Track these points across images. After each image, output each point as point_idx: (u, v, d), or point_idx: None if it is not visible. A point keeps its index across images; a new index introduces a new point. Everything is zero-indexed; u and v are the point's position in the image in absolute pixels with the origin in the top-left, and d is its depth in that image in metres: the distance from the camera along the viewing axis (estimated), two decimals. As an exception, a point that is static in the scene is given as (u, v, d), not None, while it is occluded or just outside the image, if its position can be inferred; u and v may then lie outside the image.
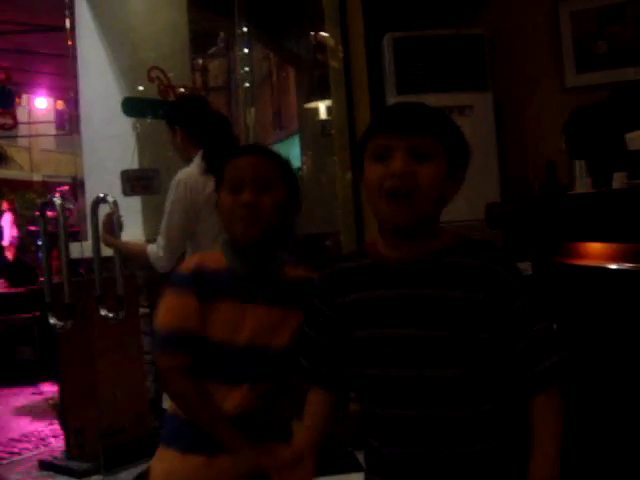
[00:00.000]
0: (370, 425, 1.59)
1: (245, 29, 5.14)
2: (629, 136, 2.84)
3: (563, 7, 4.49)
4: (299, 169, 8.49)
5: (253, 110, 5.42)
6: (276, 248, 1.87)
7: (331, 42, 4.57)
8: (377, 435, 1.58)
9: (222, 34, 8.90)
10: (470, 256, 1.51)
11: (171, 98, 4.33)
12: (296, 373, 1.74)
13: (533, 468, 1.46)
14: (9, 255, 12.43)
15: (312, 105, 6.08)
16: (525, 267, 3.35)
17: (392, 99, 4.29)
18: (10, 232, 13.30)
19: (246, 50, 5.27)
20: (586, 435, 2.56)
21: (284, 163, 1.92)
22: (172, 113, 3.42)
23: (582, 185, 3.22)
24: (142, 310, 4.38)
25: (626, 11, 4.39)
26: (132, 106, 4.20)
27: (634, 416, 2.42)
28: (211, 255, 1.92)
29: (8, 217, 13.57)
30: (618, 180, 2.77)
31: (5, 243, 13.05)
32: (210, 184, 3.10)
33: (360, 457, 3.78)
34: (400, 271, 1.53)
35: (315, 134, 6.19)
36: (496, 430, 1.53)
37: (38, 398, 6.39)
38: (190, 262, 1.91)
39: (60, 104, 14.26)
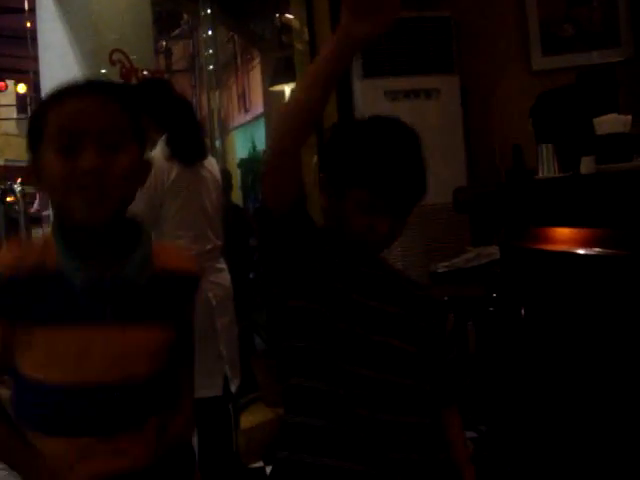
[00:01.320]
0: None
1: (209, 11, 5.06)
2: (597, 120, 2.83)
3: (530, -10, 4.48)
4: (265, 152, 8.44)
5: (217, 93, 5.35)
6: (131, 233, 1.39)
7: (296, 24, 4.53)
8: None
9: (186, 16, 8.80)
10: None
11: (134, 81, 4.25)
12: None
13: (458, 455, 1.69)
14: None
15: (277, 88, 6.03)
16: (493, 251, 3.35)
17: (358, 82, 4.26)
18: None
19: (210, 32, 5.19)
20: (559, 420, 2.57)
21: (132, 106, 1.37)
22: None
23: (549, 169, 3.21)
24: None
25: (592, -6, 4.40)
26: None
27: (604, 400, 2.42)
28: (35, 248, 1.36)
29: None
30: (586, 165, 2.76)
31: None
32: (174, 169, 3.08)
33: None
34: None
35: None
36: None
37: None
38: (1, 258, 1.34)
39: (22, 87, 14.02)
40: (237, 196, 8.50)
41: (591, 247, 2.51)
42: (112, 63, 4.27)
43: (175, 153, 3.09)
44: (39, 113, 1.34)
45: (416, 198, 1.60)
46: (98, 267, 1.31)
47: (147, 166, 1.42)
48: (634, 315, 2.28)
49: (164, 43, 9.76)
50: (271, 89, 6.54)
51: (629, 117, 2.77)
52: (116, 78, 4.25)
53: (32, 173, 1.35)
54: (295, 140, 1.45)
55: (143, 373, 1.34)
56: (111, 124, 1.29)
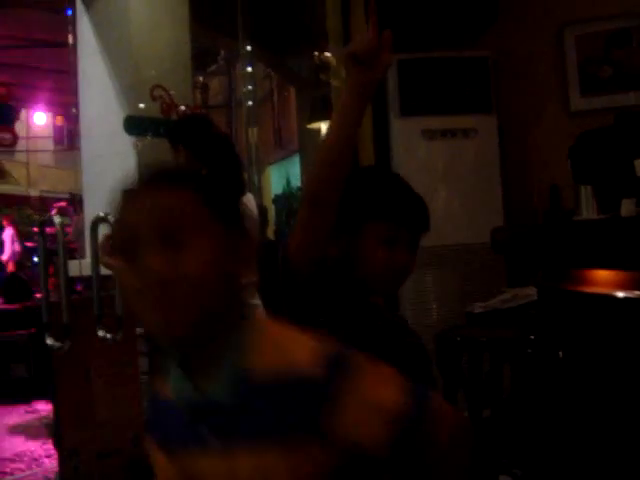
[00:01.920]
0: None
1: (248, 47, 5.12)
2: (638, 162, 2.81)
3: (568, 31, 4.49)
4: (299, 189, 8.48)
5: (255, 129, 5.39)
6: (225, 335, 1.11)
7: (334, 62, 4.55)
8: None
9: (223, 52, 8.91)
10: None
11: (173, 117, 4.30)
12: None
13: None
14: (10, 270, 12.36)
15: (314, 125, 6.06)
16: (530, 292, 3.32)
17: (395, 121, 4.28)
18: (12, 247, 13.24)
19: (249, 69, 5.24)
20: (596, 464, 2.52)
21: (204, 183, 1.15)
22: (176, 132, 3.39)
23: (588, 211, 3.19)
24: (139, 330, 4.33)
25: (631, 36, 4.39)
26: (133, 124, 4.17)
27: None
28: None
29: (9, 232, 13.51)
30: (626, 207, 2.74)
31: (4, 258, 13.00)
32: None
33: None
34: None
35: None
36: None
37: (32, 417, 6.31)
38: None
39: (59, 120, 14.24)
40: (272, 231, 8.54)
41: (631, 290, 2.48)
42: (153, 99, 4.33)
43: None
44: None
45: (424, 230, 1.67)
46: (197, 386, 1.10)
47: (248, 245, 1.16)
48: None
49: (201, 78, 9.87)
50: (307, 126, 6.58)
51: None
52: (156, 113, 4.30)
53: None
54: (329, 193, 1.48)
55: None
56: (172, 221, 1.06)
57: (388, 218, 1.62)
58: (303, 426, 1.05)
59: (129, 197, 1.09)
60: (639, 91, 4.31)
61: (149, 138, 4.24)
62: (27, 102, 13.12)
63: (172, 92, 4.44)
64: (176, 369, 1.13)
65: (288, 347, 1.09)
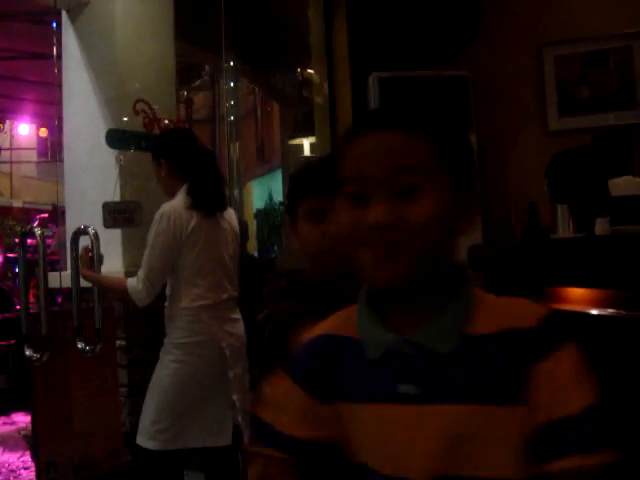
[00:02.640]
0: None
1: (232, 63, 5.15)
2: (612, 182, 2.87)
3: (547, 52, 4.56)
4: (281, 204, 8.51)
5: (237, 144, 5.41)
6: (445, 290, 1.08)
7: (317, 79, 4.60)
8: None
9: (207, 67, 8.94)
10: None
11: (156, 131, 4.32)
12: None
13: None
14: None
15: (296, 141, 6.09)
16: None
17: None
18: (-6, 258, 13.12)
19: (232, 84, 5.27)
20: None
21: (436, 135, 1.06)
22: (158, 146, 3.41)
23: (564, 229, 3.24)
24: (119, 342, 4.33)
25: (608, 57, 4.47)
26: (116, 138, 4.18)
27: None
28: (344, 317, 1.17)
29: (-8, 243, 13.39)
30: (600, 226, 2.79)
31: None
32: (194, 219, 3.13)
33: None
34: None
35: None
36: None
37: (10, 428, 6.27)
38: (317, 328, 1.19)
39: (43, 131, 14.19)
40: (253, 246, 8.55)
41: (604, 308, 2.52)
42: (136, 113, 4.34)
43: (196, 203, 3.14)
44: (336, 155, 1.13)
45: None
46: (400, 334, 1.06)
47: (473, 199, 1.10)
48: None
49: (185, 93, 9.89)
50: (290, 142, 6.61)
51: (645, 180, 2.81)
52: (139, 128, 4.32)
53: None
54: None
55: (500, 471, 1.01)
56: (405, 165, 1.03)
57: (307, 192, 1.55)
58: (515, 381, 1.01)
59: (358, 138, 1.06)
60: (616, 112, 4.38)
61: (132, 151, 4.26)
62: (11, 113, 13.06)
63: (156, 106, 4.46)
64: (370, 317, 1.10)
65: (508, 304, 1.09)
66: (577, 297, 2.69)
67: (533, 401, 1.00)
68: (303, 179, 1.60)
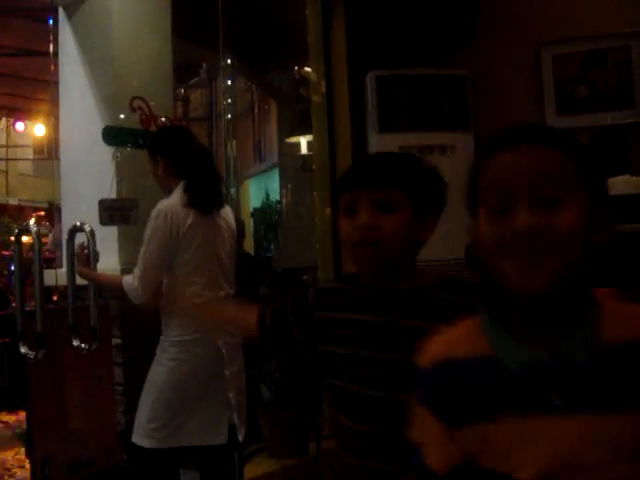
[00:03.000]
0: (342, 437, 1.65)
1: (229, 61, 5.14)
2: (610, 181, 2.85)
3: (546, 50, 4.56)
4: (278, 202, 8.50)
5: (234, 142, 5.40)
6: (584, 295, 1.11)
7: (314, 78, 4.59)
8: (348, 447, 1.62)
9: (205, 65, 8.93)
10: (450, 293, 1.59)
11: (152, 128, 4.30)
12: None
13: None
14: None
15: (293, 139, 6.07)
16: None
17: (374, 136, 4.31)
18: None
19: (229, 82, 5.26)
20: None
21: (577, 151, 1.12)
22: (155, 143, 3.40)
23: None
24: (115, 340, 4.32)
25: (607, 56, 4.46)
26: (112, 135, 4.17)
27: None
28: (462, 331, 1.20)
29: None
30: (599, 225, 2.78)
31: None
32: (191, 216, 3.11)
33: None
34: (386, 299, 1.59)
35: (295, 168, 6.19)
36: None
37: (5, 426, 6.26)
38: (429, 349, 1.21)
39: (39, 129, 14.15)
40: (249, 244, 8.54)
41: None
42: (132, 110, 4.33)
43: (193, 201, 3.13)
44: (474, 167, 1.17)
45: (388, 183, 1.57)
46: (537, 346, 1.08)
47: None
48: None
49: (182, 91, 9.87)
50: (287, 140, 6.60)
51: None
52: (135, 125, 4.31)
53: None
54: None
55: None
56: (549, 176, 1.07)
57: (343, 187, 1.61)
58: None
59: (500, 152, 1.11)
60: (614, 111, 4.38)
61: (129, 149, 4.24)
62: (7, 110, 13.04)
63: (152, 103, 4.44)
64: (499, 329, 1.12)
65: (634, 311, 1.10)
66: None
67: None
68: (342, 177, 1.67)
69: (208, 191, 3.21)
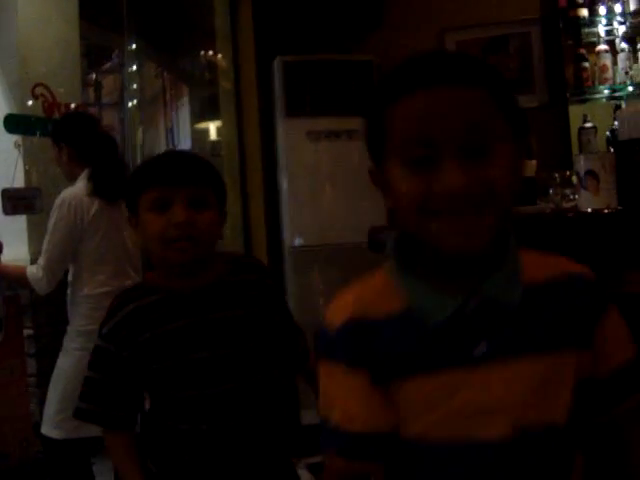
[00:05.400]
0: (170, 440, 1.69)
1: (134, 46, 5.08)
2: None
3: (449, 36, 4.66)
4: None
5: (141, 129, 5.35)
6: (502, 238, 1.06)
7: (222, 63, 4.59)
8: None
9: (117, 50, 8.79)
10: (244, 273, 1.73)
11: (56, 116, 4.23)
12: (92, 420, 1.75)
13: None
14: None
15: (203, 125, 6.07)
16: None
17: (281, 122, 4.34)
18: None
19: (134, 67, 5.21)
20: None
21: (502, 88, 1.04)
22: (58, 130, 3.35)
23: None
24: (27, 331, 4.26)
25: (508, 42, 4.58)
26: (15, 123, 4.07)
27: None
28: (371, 288, 1.12)
29: None
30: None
31: None
32: (95, 205, 3.09)
33: None
34: (189, 300, 1.65)
35: (207, 154, 6.18)
36: None
37: None
38: (339, 307, 1.12)
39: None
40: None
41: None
42: (35, 97, 4.25)
43: (97, 189, 3.10)
44: (377, 108, 1.07)
45: (197, 182, 1.63)
46: (456, 298, 1.03)
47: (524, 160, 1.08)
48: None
49: (94, 76, 9.70)
50: (196, 126, 6.58)
51: (534, 162, 2.89)
52: (39, 112, 4.23)
53: (377, 184, 1.09)
54: None
55: (557, 415, 1.04)
56: (476, 123, 0.96)
57: (150, 182, 1.63)
58: (587, 328, 1.06)
59: (411, 96, 0.99)
60: (516, 96, 4.50)
61: (34, 137, 4.17)
62: None
63: (61, 89, 4.37)
64: (417, 282, 1.05)
65: (555, 257, 1.11)
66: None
67: (599, 349, 1.07)
68: (140, 174, 1.72)
69: (113, 179, 3.19)
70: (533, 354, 1.02)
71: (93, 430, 3.10)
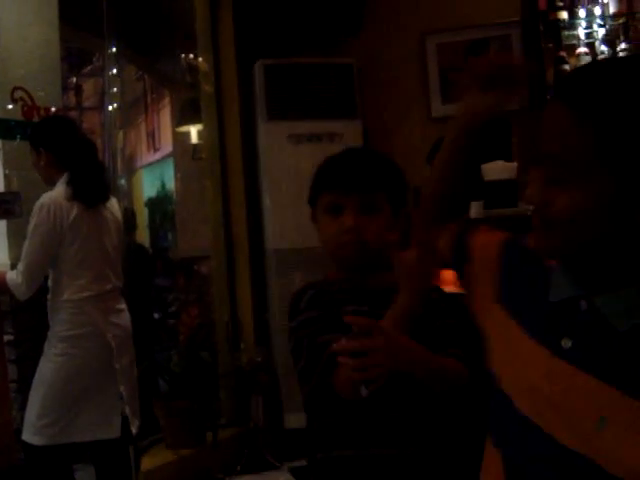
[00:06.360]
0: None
1: (114, 49, 5.06)
2: (485, 167, 2.96)
3: (430, 39, 4.66)
4: (172, 192, 8.43)
5: (121, 133, 5.32)
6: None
7: (203, 66, 4.58)
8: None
9: (97, 53, 8.76)
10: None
11: (35, 119, 4.20)
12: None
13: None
14: None
15: (184, 129, 6.06)
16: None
17: (262, 125, 4.33)
18: None
19: (115, 71, 5.18)
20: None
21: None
22: (36, 134, 3.33)
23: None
24: (7, 337, 4.22)
25: (489, 45, 4.59)
26: (-6, 127, 4.06)
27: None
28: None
29: None
30: (475, 209, 2.88)
31: None
32: (75, 210, 3.07)
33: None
34: (374, 295, 1.64)
35: (188, 157, 6.17)
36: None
37: None
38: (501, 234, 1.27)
39: None
40: (144, 235, 8.45)
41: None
42: (13, 101, 4.22)
43: (77, 194, 3.09)
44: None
45: (374, 187, 1.66)
46: (580, 286, 1.07)
47: None
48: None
49: (75, 79, 9.67)
50: (178, 130, 6.57)
51: (514, 164, 2.91)
52: (18, 116, 4.21)
53: None
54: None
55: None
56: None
57: (325, 187, 1.69)
58: None
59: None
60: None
61: (15, 141, 4.14)
62: None
63: (41, 93, 4.34)
64: (562, 273, 1.09)
65: None
66: (451, 279, 2.76)
67: None
68: (320, 175, 1.74)
69: (92, 184, 3.17)
70: (606, 384, 1.00)
71: (74, 436, 3.12)
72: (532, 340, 1.09)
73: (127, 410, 3.25)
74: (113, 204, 3.35)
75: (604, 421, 0.98)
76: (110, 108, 5.34)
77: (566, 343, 1.04)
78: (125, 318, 3.29)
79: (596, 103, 0.97)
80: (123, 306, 3.31)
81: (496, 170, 2.89)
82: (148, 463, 3.92)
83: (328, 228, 1.67)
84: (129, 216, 4.98)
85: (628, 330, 0.99)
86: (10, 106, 4.27)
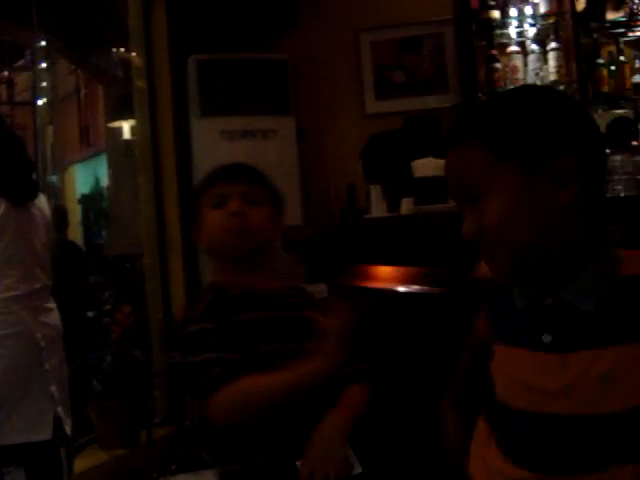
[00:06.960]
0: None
1: (44, 42, 4.95)
2: (415, 163, 2.99)
3: (363, 36, 4.69)
4: (105, 189, 8.31)
5: (51, 128, 5.23)
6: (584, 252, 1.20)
7: (136, 61, 4.52)
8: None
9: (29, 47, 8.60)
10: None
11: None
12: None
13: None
14: None
15: (116, 124, 5.97)
16: (321, 289, 3.44)
17: (195, 121, 4.30)
18: None
19: (44, 65, 5.08)
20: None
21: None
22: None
23: (377, 209, 3.35)
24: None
25: (422, 43, 4.64)
26: None
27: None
28: None
29: None
30: (406, 205, 2.91)
31: None
32: (2, 207, 2.99)
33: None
34: (266, 298, 1.82)
35: (120, 153, 6.09)
36: None
37: None
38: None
39: None
40: (77, 232, 8.32)
41: (410, 284, 2.63)
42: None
43: (3, 192, 3.02)
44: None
45: (255, 181, 1.84)
46: (541, 290, 1.21)
47: None
48: (451, 348, 2.40)
49: (6, 73, 9.48)
50: (109, 125, 6.49)
51: (444, 161, 2.94)
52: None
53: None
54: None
55: (608, 407, 1.12)
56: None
57: (210, 184, 1.85)
58: None
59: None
60: (429, 96, 4.57)
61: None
62: None
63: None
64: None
65: None
66: (384, 275, 2.79)
67: None
68: (204, 180, 1.92)
69: (19, 181, 3.10)
70: (603, 348, 1.13)
71: (5, 439, 3.05)
72: (518, 349, 1.23)
73: (59, 411, 3.19)
74: (42, 201, 3.28)
75: (606, 377, 1.11)
76: (40, 102, 5.24)
77: (546, 338, 1.18)
78: (55, 317, 3.23)
79: (513, 142, 1.15)
80: (53, 305, 3.25)
81: (426, 167, 2.92)
82: (81, 464, 3.85)
83: (214, 218, 1.78)
84: (60, 213, 4.91)
85: (595, 308, 1.14)
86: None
